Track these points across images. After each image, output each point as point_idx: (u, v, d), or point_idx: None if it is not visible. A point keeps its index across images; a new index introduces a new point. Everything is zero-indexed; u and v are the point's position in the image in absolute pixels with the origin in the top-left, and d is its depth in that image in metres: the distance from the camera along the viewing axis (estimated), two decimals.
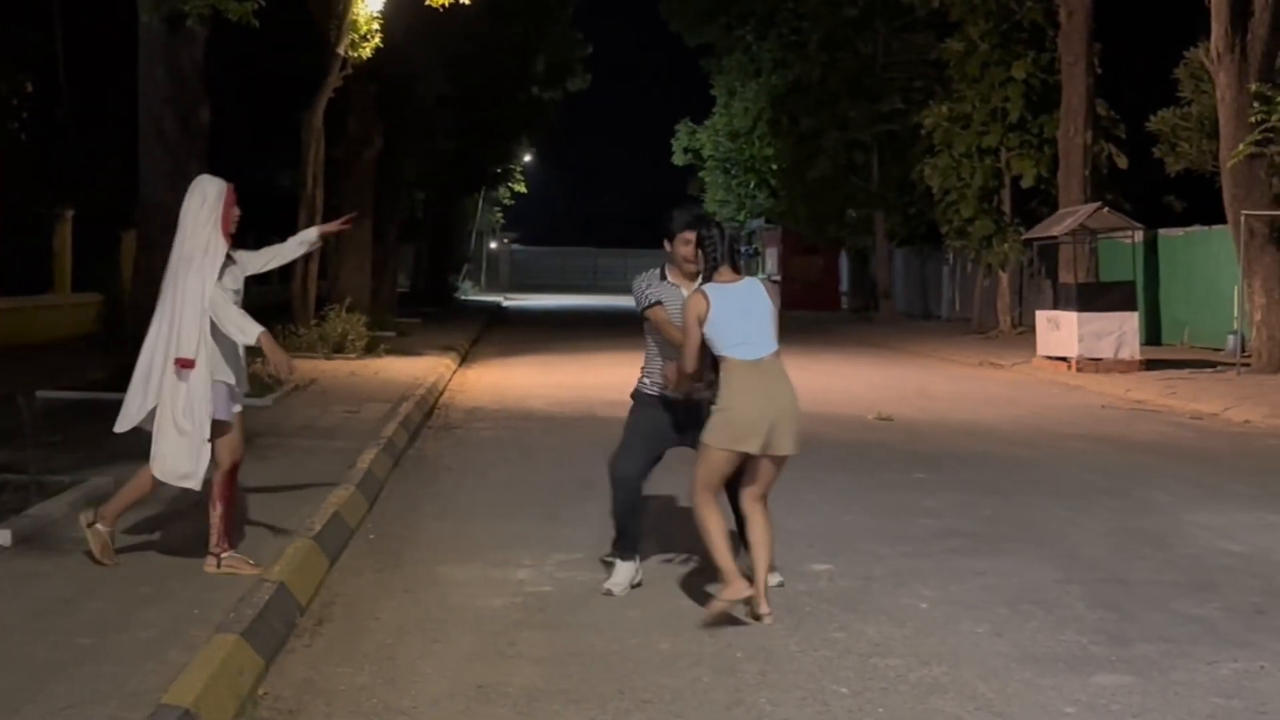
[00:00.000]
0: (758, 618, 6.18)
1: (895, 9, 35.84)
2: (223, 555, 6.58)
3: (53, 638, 5.45)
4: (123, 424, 6.64)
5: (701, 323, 6.32)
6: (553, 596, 6.76)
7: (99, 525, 6.60)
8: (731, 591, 6.17)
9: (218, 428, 6.54)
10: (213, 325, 6.49)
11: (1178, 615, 6.54)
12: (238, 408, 6.74)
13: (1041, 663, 5.73)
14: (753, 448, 6.24)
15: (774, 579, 6.67)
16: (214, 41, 15.12)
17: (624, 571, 6.85)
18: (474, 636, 6.00)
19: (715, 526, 6.30)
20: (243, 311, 6.59)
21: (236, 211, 6.71)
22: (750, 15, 47.23)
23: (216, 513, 6.63)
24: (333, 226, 7.46)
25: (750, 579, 6.24)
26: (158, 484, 6.61)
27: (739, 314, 6.33)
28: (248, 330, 6.52)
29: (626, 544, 6.88)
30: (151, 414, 6.52)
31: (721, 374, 6.35)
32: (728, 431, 6.26)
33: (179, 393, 6.44)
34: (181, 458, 6.45)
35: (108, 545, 6.61)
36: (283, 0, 15.71)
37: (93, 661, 5.14)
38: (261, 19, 13.45)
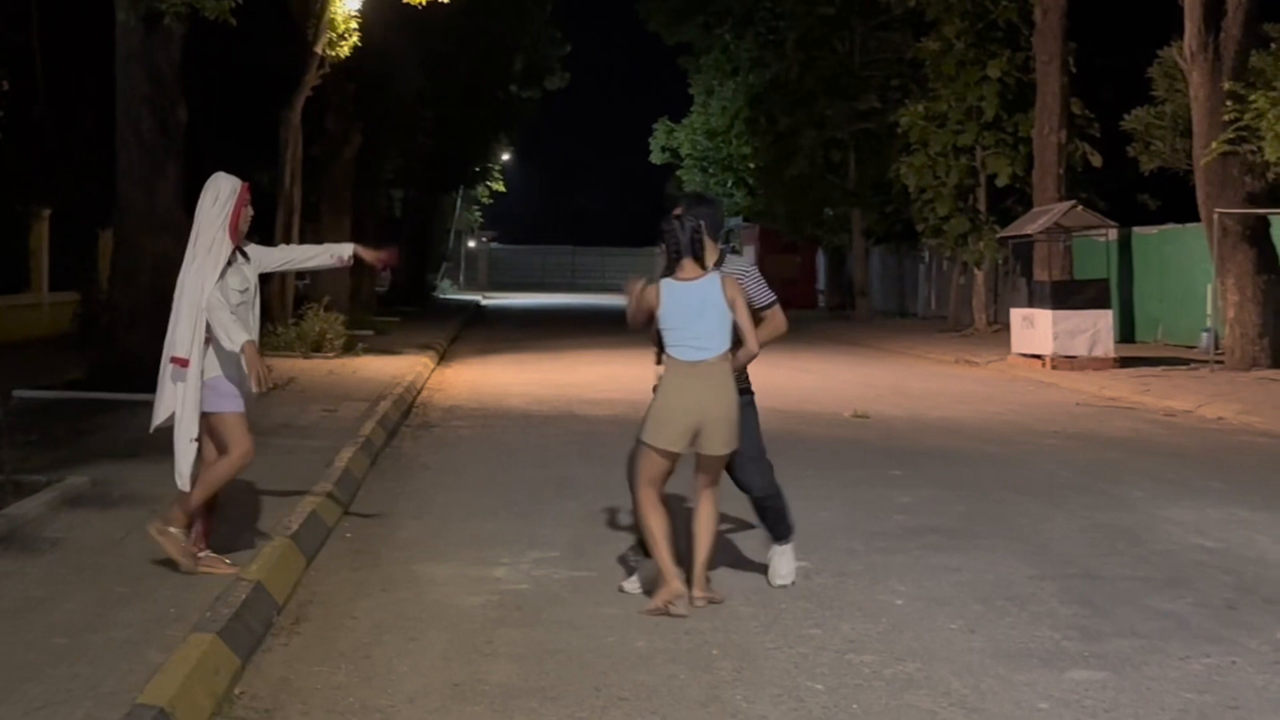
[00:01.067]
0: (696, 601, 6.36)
1: (872, 8, 35.94)
2: (200, 554, 6.56)
3: (28, 637, 5.44)
4: (157, 417, 6.63)
5: (651, 314, 6.46)
6: (530, 594, 6.77)
7: (202, 557, 6.51)
8: (666, 592, 6.28)
9: (219, 422, 6.48)
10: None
11: (1151, 611, 6.58)
12: (241, 407, 6.62)
13: (1015, 659, 5.77)
14: (678, 447, 6.34)
15: (785, 578, 6.78)
16: (191, 40, 15.06)
17: (648, 569, 6.80)
18: (451, 635, 6.00)
19: (655, 524, 6.37)
20: (234, 318, 6.46)
21: (250, 211, 6.63)
22: (728, 14, 47.30)
23: (197, 509, 6.58)
24: (371, 255, 7.08)
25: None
26: (236, 468, 6.58)
27: (692, 312, 6.37)
28: (234, 338, 6.44)
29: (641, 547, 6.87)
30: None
31: (663, 370, 6.42)
32: (654, 429, 6.37)
33: (175, 389, 6.44)
34: (177, 455, 6.43)
35: (225, 562, 6.52)
36: None
37: (68, 661, 5.13)
38: (239, 17, 13.41)
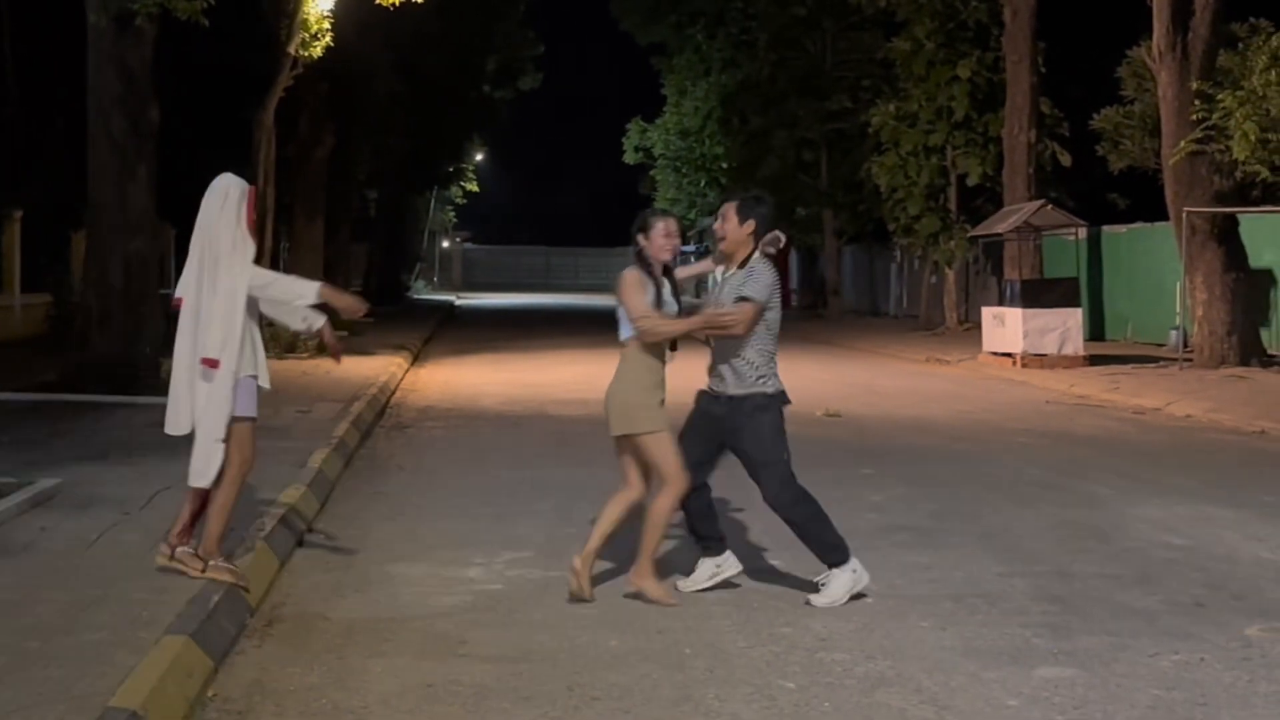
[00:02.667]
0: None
1: (843, 8, 36.03)
2: (178, 549, 6.46)
3: None
4: (172, 426, 6.48)
5: None
6: (503, 595, 6.78)
7: (212, 564, 6.36)
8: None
9: (242, 425, 6.42)
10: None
11: (1120, 608, 6.63)
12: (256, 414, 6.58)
13: (985, 656, 5.81)
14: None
15: (818, 599, 6.58)
16: (163, 41, 15.01)
17: (702, 569, 6.89)
18: (424, 635, 6.02)
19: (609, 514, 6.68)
20: (293, 276, 6.53)
21: (252, 214, 6.57)
22: (700, 15, 47.41)
23: (189, 508, 6.49)
24: (335, 297, 6.74)
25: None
26: (241, 479, 6.49)
27: None
28: (306, 290, 6.51)
29: (700, 549, 6.94)
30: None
31: None
32: None
33: (198, 391, 6.34)
34: (195, 456, 6.35)
35: (233, 570, 6.40)
36: None
37: (39, 664, 5.11)
38: (211, 18, 13.39)
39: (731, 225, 6.68)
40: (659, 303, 6.58)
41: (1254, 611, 6.58)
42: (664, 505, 6.56)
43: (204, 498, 6.52)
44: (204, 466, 6.33)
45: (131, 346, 14.20)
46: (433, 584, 6.97)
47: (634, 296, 6.53)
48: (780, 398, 6.71)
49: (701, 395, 6.84)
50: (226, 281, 6.34)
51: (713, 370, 6.76)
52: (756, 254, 6.69)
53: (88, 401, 12.97)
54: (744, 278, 6.62)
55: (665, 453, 6.52)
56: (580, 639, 5.97)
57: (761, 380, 6.62)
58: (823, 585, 6.62)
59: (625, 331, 6.61)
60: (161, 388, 13.80)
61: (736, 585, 6.90)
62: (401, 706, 5.10)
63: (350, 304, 6.71)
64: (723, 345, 6.67)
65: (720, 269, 6.90)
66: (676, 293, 6.76)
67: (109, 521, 7.66)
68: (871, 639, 6.04)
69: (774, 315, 6.68)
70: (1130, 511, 9.24)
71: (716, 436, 6.73)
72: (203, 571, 6.28)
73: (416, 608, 6.50)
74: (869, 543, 8.02)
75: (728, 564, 6.88)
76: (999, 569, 7.43)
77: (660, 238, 6.61)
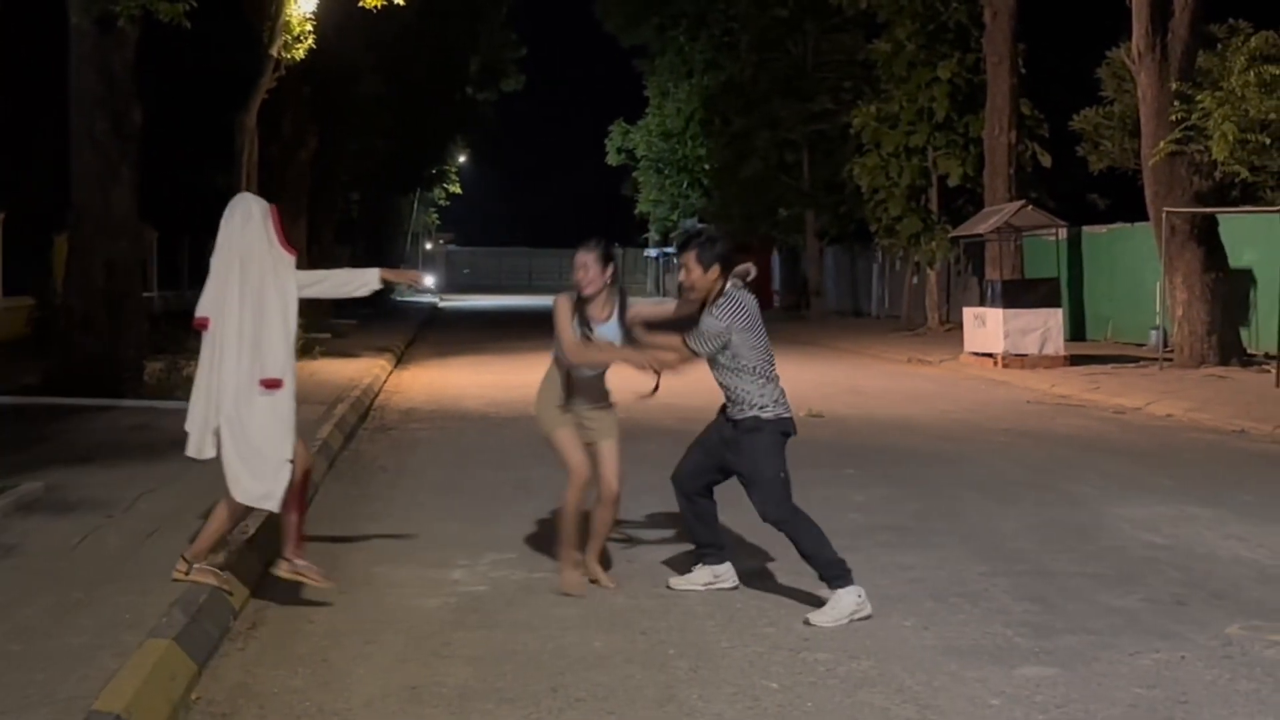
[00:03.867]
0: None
1: (824, 10, 36.12)
2: (297, 562, 6.45)
3: None
4: (195, 450, 6.38)
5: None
6: (487, 596, 6.79)
7: (196, 567, 6.33)
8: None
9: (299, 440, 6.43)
10: None
11: (1101, 607, 6.67)
12: None
13: (967, 655, 5.83)
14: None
15: (816, 619, 6.35)
16: (146, 42, 14.96)
17: (698, 573, 6.93)
18: (408, 637, 6.02)
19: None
20: (346, 269, 6.69)
21: (281, 229, 6.52)
22: (682, 16, 47.48)
23: (292, 520, 6.46)
24: (396, 275, 6.93)
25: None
26: (242, 508, 6.42)
27: None
28: (367, 278, 6.61)
29: (699, 555, 6.98)
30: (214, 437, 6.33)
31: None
32: None
33: (256, 412, 6.26)
34: (263, 478, 6.24)
35: (217, 573, 6.37)
36: (215, 1, 15.59)
37: (23, 668, 5.10)
38: (194, 20, 13.34)
39: (696, 274, 6.56)
40: (586, 328, 6.75)
41: (1234, 610, 6.61)
42: (567, 497, 6.88)
43: (301, 504, 6.55)
44: (273, 487, 6.26)
45: (114, 349, 14.15)
46: (416, 586, 6.98)
47: (560, 320, 6.77)
48: (778, 424, 6.58)
49: (720, 412, 6.83)
50: (277, 302, 6.31)
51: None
52: (728, 285, 6.58)
53: (71, 405, 12.94)
54: (709, 310, 6.57)
55: (562, 449, 6.87)
56: (564, 640, 5.99)
57: (759, 409, 6.54)
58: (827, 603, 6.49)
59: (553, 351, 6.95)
60: (145, 391, 13.92)
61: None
62: (385, 709, 5.11)
63: (412, 276, 7.02)
64: (719, 377, 6.63)
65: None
66: (623, 319, 6.85)
67: (92, 525, 7.64)
68: (854, 639, 6.06)
69: (745, 342, 6.52)
70: (1111, 510, 9.29)
71: (717, 452, 6.74)
72: (186, 574, 6.27)
73: (400, 610, 6.50)
74: (852, 543, 8.03)
75: (725, 575, 6.89)
76: (981, 568, 7.47)
77: (574, 271, 6.80)
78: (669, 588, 6.85)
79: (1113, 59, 23.38)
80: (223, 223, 6.40)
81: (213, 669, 5.52)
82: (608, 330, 6.81)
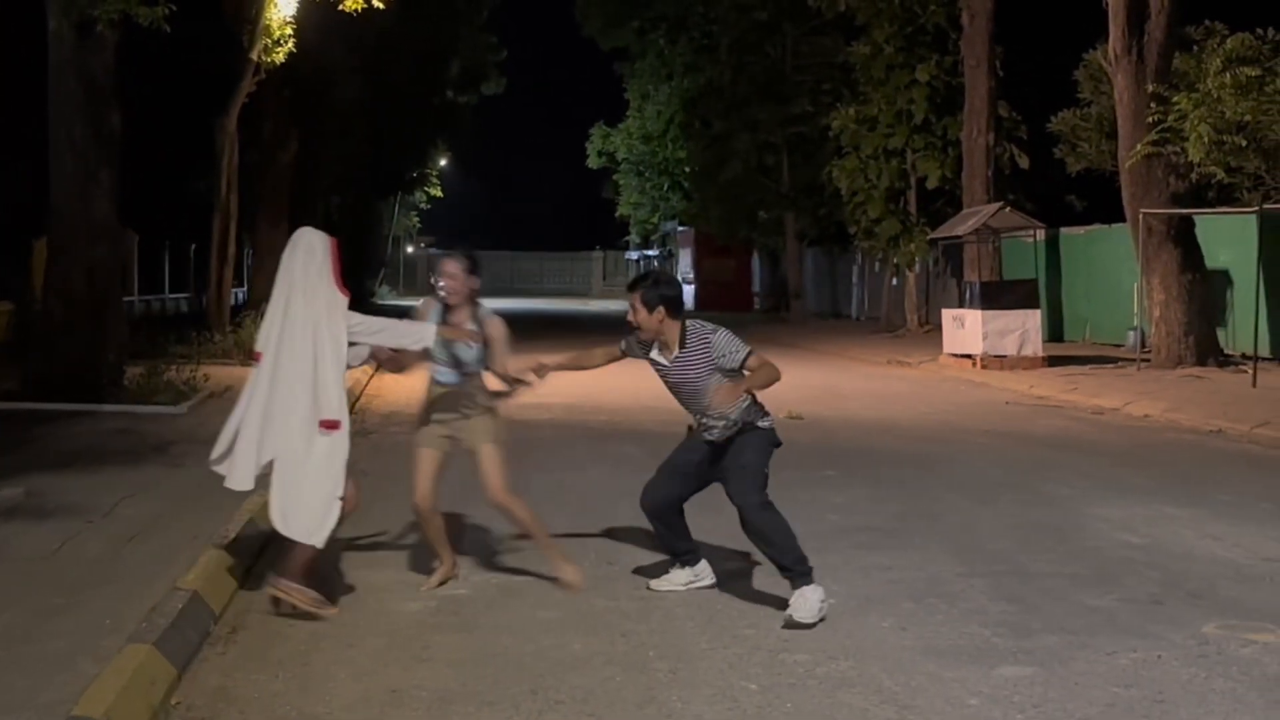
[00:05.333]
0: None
1: (803, 13, 36.23)
2: (292, 585, 6.39)
3: None
4: (240, 483, 6.41)
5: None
6: (467, 599, 6.80)
7: (295, 588, 6.31)
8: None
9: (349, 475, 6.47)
10: None
11: (1078, 607, 6.71)
12: None
13: (945, 656, 5.87)
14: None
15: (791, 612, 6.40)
16: (125, 47, 14.93)
17: (676, 574, 7.01)
18: (388, 641, 6.03)
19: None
20: (405, 321, 6.74)
21: (339, 267, 6.55)
22: (662, 20, 47.57)
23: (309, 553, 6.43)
24: (452, 332, 6.82)
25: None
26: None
27: None
28: (425, 334, 6.66)
29: (675, 559, 7.03)
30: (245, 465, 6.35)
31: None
32: None
33: (315, 452, 6.31)
34: (312, 515, 6.30)
35: (312, 597, 6.35)
36: (195, 5, 15.57)
37: (2, 673, 5.09)
38: (173, 24, 13.33)
39: (642, 315, 6.63)
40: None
41: (1210, 609, 6.66)
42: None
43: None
44: (319, 524, 6.31)
45: (95, 354, 14.11)
46: (397, 589, 6.98)
47: (420, 317, 6.86)
48: (771, 433, 6.74)
49: (696, 437, 6.86)
50: (331, 344, 6.35)
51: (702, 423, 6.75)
52: (691, 329, 6.63)
53: (51, 410, 12.90)
54: (705, 353, 6.59)
55: (413, 469, 6.99)
56: (544, 643, 6.00)
57: (757, 419, 6.70)
58: (792, 603, 6.44)
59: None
60: (125, 395, 13.87)
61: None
62: (365, 712, 5.12)
63: (468, 332, 6.80)
64: (702, 404, 6.59)
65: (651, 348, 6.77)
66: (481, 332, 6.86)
67: (73, 530, 7.63)
68: (833, 640, 6.09)
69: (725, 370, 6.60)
70: (1089, 511, 9.35)
71: (698, 477, 6.80)
72: (287, 595, 6.27)
73: (380, 614, 6.51)
74: (831, 544, 8.09)
75: (703, 573, 6.97)
76: (959, 569, 7.50)
77: (439, 280, 6.86)
78: (649, 589, 6.90)
79: (1090, 61, 23.53)
80: (285, 256, 6.46)
81: (193, 674, 5.52)
82: (466, 352, 6.86)
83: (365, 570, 7.41)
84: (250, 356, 6.43)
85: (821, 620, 6.31)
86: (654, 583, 6.98)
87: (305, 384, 6.30)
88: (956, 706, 5.23)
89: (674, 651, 5.89)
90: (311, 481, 6.31)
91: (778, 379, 6.56)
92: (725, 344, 6.60)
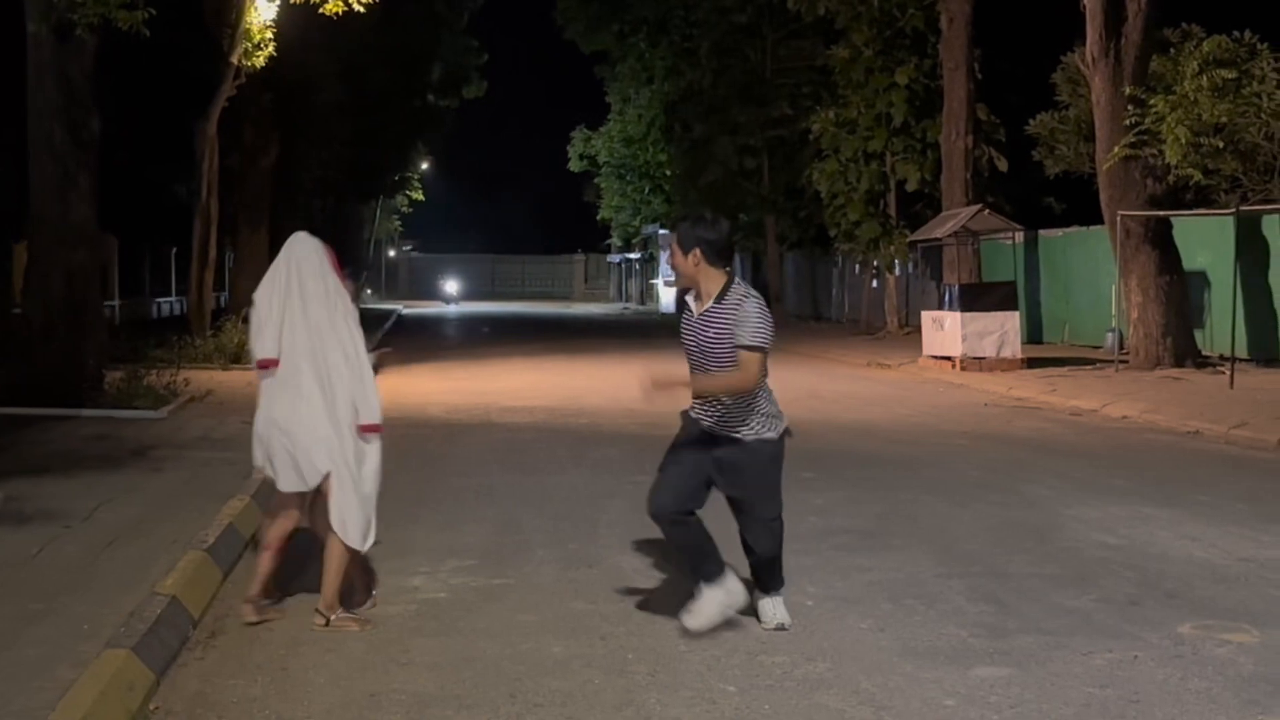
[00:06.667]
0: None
1: (783, 16, 36.34)
2: (263, 602, 6.42)
3: None
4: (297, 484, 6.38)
5: None
6: (446, 603, 6.80)
7: (335, 616, 6.28)
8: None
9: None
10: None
11: (1055, 607, 6.73)
12: None
13: (923, 656, 5.89)
14: None
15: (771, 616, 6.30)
16: (105, 50, 14.90)
17: (709, 602, 6.19)
18: (367, 645, 6.03)
19: None
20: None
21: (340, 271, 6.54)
22: (643, 23, 47.67)
23: (272, 567, 6.44)
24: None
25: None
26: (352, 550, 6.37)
27: None
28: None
29: (700, 574, 6.23)
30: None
31: None
32: None
33: (369, 458, 6.35)
34: (368, 519, 6.37)
35: (358, 619, 6.35)
36: (175, 9, 15.53)
37: None
38: (153, 28, 13.30)
39: (678, 258, 6.15)
40: None
41: (1186, 609, 6.70)
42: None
43: (284, 553, 6.48)
44: (369, 528, 6.38)
45: (74, 359, 14.08)
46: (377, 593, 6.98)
47: None
48: (781, 442, 6.33)
49: (686, 418, 6.40)
50: (357, 347, 6.36)
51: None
52: (736, 287, 6.09)
53: (30, 414, 12.87)
54: (734, 315, 6.02)
55: None
56: (523, 646, 6.01)
57: (770, 427, 6.27)
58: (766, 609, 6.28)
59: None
60: (105, 400, 13.83)
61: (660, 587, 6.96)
62: (344, 716, 5.12)
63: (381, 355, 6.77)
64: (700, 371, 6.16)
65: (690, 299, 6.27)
66: None
67: (50, 535, 7.61)
68: (811, 641, 6.11)
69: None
70: (1066, 512, 9.39)
71: (702, 471, 6.20)
72: (326, 625, 6.24)
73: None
74: (810, 546, 8.12)
75: (735, 591, 6.29)
76: (937, 570, 7.54)
77: None
78: (687, 630, 6.16)
79: (1068, 64, 23.62)
80: (275, 262, 6.42)
81: (171, 679, 5.51)
82: None
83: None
84: (264, 365, 6.33)
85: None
86: (688, 622, 6.17)
87: (344, 389, 6.28)
88: (933, 707, 5.26)
89: (653, 654, 5.90)
90: (369, 490, 6.37)
91: (735, 390, 6.04)
92: (750, 317, 5.96)
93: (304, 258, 6.40)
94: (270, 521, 6.53)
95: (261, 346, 6.36)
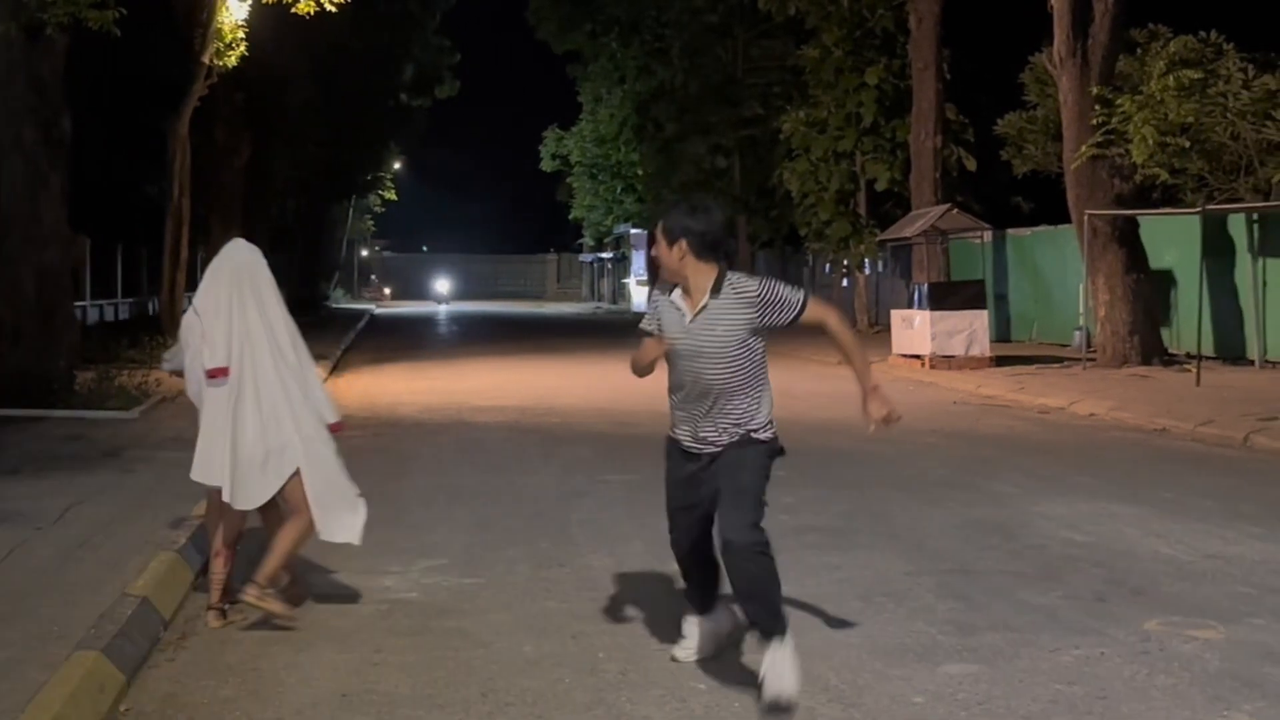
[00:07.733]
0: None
1: (753, 16, 36.43)
2: (227, 608, 6.42)
3: None
4: (252, 500, 6.34)
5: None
6: (418, 603, 6.81)
7: (264, 593, 6.19)
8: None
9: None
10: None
11: (1023, 604, 6.77)
12: None
13: (891, 654, 5.92)
14: None
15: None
16: (76, 50, 14.85)
17: (689, 633, 5.80)
18: (339, 645, 6.04)
19: None
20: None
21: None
22: (615, 23, 47.67)
23: (225, 573, 6.43)
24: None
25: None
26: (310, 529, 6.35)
27: None
28: None
29: (693, 607, 5.87)
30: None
31: None
32: None
33: (331, 456, 6.41)
34: (353, 513, 6.41)
35: (284, 604, 6.29)
36: (146, 8, 15.48)
37: None
38: (124, 27, 13.26)
39: (662, 251, 5.53)
40: None
41: (1153, 606, 6.73)
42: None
43: (233, 557, 6.47)
44: (357, 520, 6.42)
45: (45, 360, 14.02)
46: (348, 594, 6.99)
47: None
48: (775, 445, 6.02)
49: (671, 444, 5.93)
50: (306, 350, 6.49)
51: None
52: (730, 278, 5.63)
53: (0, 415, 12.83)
54: (743, 308, 5.62)
55: None
56: (495, 645, 6.02)
57: (763, 427, 6.00)
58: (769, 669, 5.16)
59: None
60: (76, 401, 13.77)
61: (645, 590, 6.98)
62: (316, 717, 5.13)
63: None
64: (706, 389, 5.68)
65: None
66: None
67: (20, 537, 7.58)
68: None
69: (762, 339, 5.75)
70: (1034, 509, 9.44)
71: (705, 492, 5.78)
72: (258, 600, 6.20)
73: (331, 618, 6.51)
74: (779, 544, 8.03)
75: (722, 620, 5.93)
76: (906, 568, 7.58)
77: None
78: (675, 659, 5.79)
79: (1035, 64, 23.76)
80: (216, 270, 6.40)
81: (142, 680, 5.51)
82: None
83: (317, 574, 7.37)
84: (214, 374, 6.27)
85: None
86: (678, 653, 5.79)
87: (299, 393, 6.33)
88: (902, 704, 5.28)
89: (624, 653, 5.92)
90: (342, 486, 6.43)
91: (849, 332, 5.87)
92: (772, 291, 5.54)
93: (250, 263, 6.44)
94: (217, 525, 6.49)
95: (212, 355, 6.30)
